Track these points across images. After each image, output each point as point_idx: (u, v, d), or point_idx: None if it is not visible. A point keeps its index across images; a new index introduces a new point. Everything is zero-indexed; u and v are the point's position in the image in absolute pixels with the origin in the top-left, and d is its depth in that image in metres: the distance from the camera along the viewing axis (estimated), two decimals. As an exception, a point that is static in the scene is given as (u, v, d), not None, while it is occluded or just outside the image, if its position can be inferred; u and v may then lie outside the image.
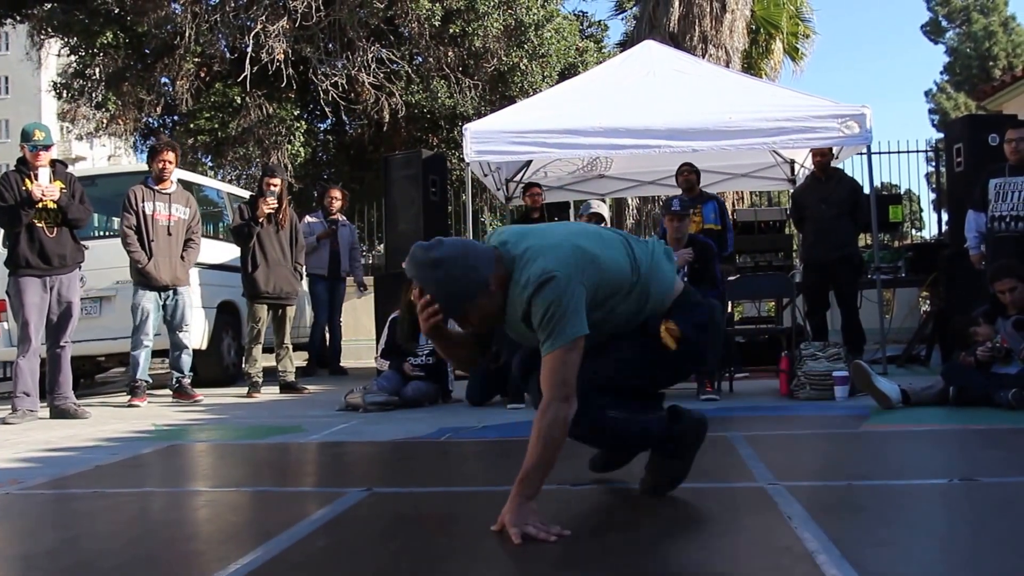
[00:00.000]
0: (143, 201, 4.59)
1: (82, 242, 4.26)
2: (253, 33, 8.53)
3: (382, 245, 8.80)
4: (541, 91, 7.82)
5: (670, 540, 1.61)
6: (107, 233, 6.29)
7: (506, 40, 9.18)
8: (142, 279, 4.58)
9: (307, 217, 6.31)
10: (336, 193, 6.30)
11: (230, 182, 9.13)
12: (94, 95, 9.71)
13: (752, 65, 12.34)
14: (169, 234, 4.62)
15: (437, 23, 8.70)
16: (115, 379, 7.16)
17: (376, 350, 4.70)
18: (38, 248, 4.01)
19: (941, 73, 28.04)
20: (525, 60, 9.25)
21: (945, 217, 6.80)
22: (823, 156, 5.18)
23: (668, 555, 1.52)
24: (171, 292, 4.65)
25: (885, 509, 1.75)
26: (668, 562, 1.48)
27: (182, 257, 4.69)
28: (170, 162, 4.67)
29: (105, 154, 28.73)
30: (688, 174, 5.25)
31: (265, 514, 1.95)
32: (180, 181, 5.32)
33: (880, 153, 7.87)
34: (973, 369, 3.49)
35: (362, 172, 10.72)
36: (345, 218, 6.42)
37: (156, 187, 4.65)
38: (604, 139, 4.76)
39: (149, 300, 4.59)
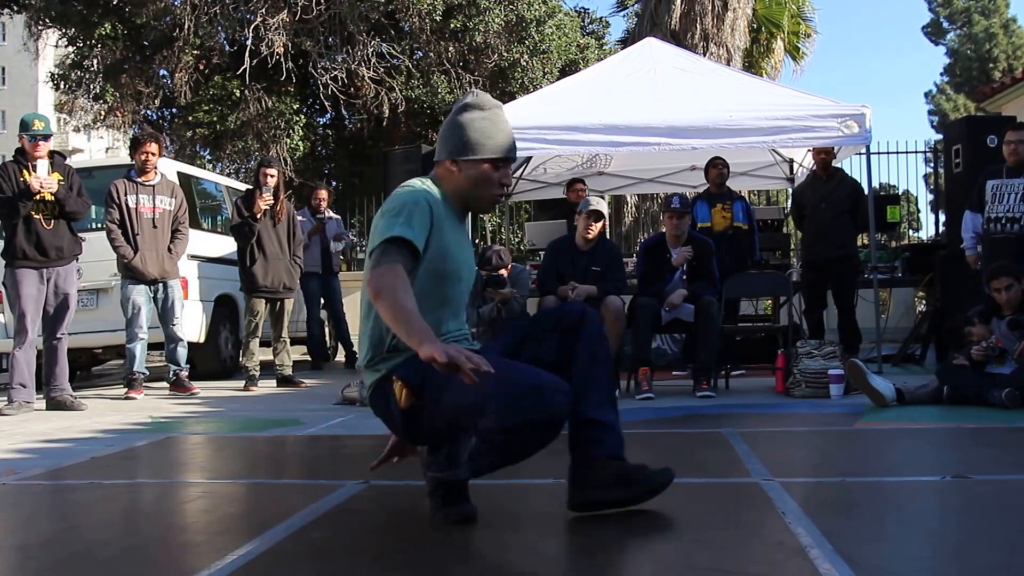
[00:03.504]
0: (126, 195, 4.54)
1: (79, 234, 4.26)
2: (253, 26, 8.50)
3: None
4: (542, 87, 7.81)
5: (664, 534, 1.62)
6: (104, 226, 6.27)
7: (507, 36, 9.17)
8: (130, 273, 4.55)
9: (297, 216, 6.34)
10: (323, 194, 6.36)
11: (229, 175, 9.11)
12: (92, 87, 9.68)
13: (753, 64, 12.35)
14: (155, 227, 4.57)
15: (438, 18, 8.69)
16: (112, 371, 7.15)
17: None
18: (35, 240, 4.00)
19: (941, 74, 28.11)
20: (526, 56, 9.24)
21: (943, 218, 6.81)
22: (825, 155, 5.19)
23: (662, 549, 1.53)
24: (161, 285, 4.62)
25: (878, 505, 1.76)
26: (662, 556, 1.48)
27: (169, 249, 4.64)
28: (153, 154, 4.61)
29: (103, 146, 28.62)
30: (721, 168, 5.28)
31: (261, 506, 1.95)
32: (179, 174, 5.32)
33: (879, 153, 7.88)
34: (967, 368, 3.50)
35: (361, 167, 10.71)
36: (330, 212, 6.46)
37: (139, 179, 4.60)
38: (604, 136, 4.76)
39: (139, 293, 4.56)
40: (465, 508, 1.63)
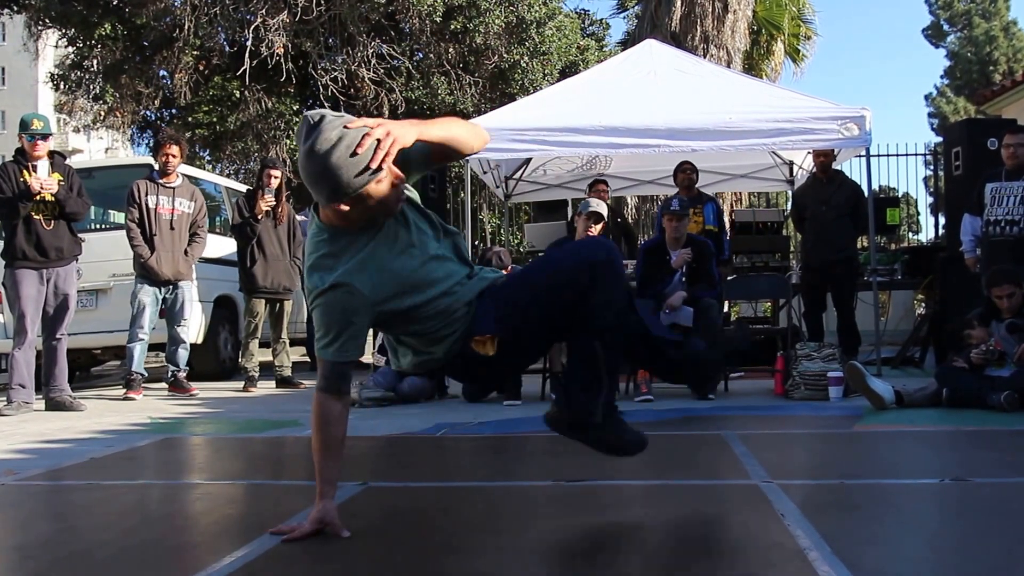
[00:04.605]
0: (146, 195, 4.58)
1: (79, 235, 4.26)
2: (253, 27, 8.51)
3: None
4: (542, 89, 7.82)
5: (663, 535, 1.62)
6: (104, 226, 6.28)
7: (507, 37, 9.18)
8: (144, 272, 4.57)
9: (298, 216, 6.34)
10: None
11: (228, 176, 9.12)
12: (92, 87, 9.69)
13: (753, 66, 12.37)
14: (172, 228, 4.61)
15: (438, 19, 8.69)
16: (111, 372, 7.15)
17: (372, 346, 4.71)
18: (35, 240, 4.01)
19: (941, 77, 28.12)
20: (526, 58, 9.25)
21: (942, 221, 6.82)
22: (825, 157, 5.19)
23: (661, 550, 1.53)
24: (172, 286, 4.65)
25: (877, 507, 1.76)
26: (661, 557, 1.49)
27: (186, 251, 4.68)
28: (174, 156, 4.65)
29: (102, 147, 28.62)
30: (689, 173, 5.35)
31: (260, 507, 1.95)
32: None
33: (879, 156, 7.89)
34: (966, 371, 3.51)
35: (361, 168, 10.68)
36: None
37: (160, 181, 4.65)
38: (604, 138, 4.77)
39: (147, 294, 4.58)
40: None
